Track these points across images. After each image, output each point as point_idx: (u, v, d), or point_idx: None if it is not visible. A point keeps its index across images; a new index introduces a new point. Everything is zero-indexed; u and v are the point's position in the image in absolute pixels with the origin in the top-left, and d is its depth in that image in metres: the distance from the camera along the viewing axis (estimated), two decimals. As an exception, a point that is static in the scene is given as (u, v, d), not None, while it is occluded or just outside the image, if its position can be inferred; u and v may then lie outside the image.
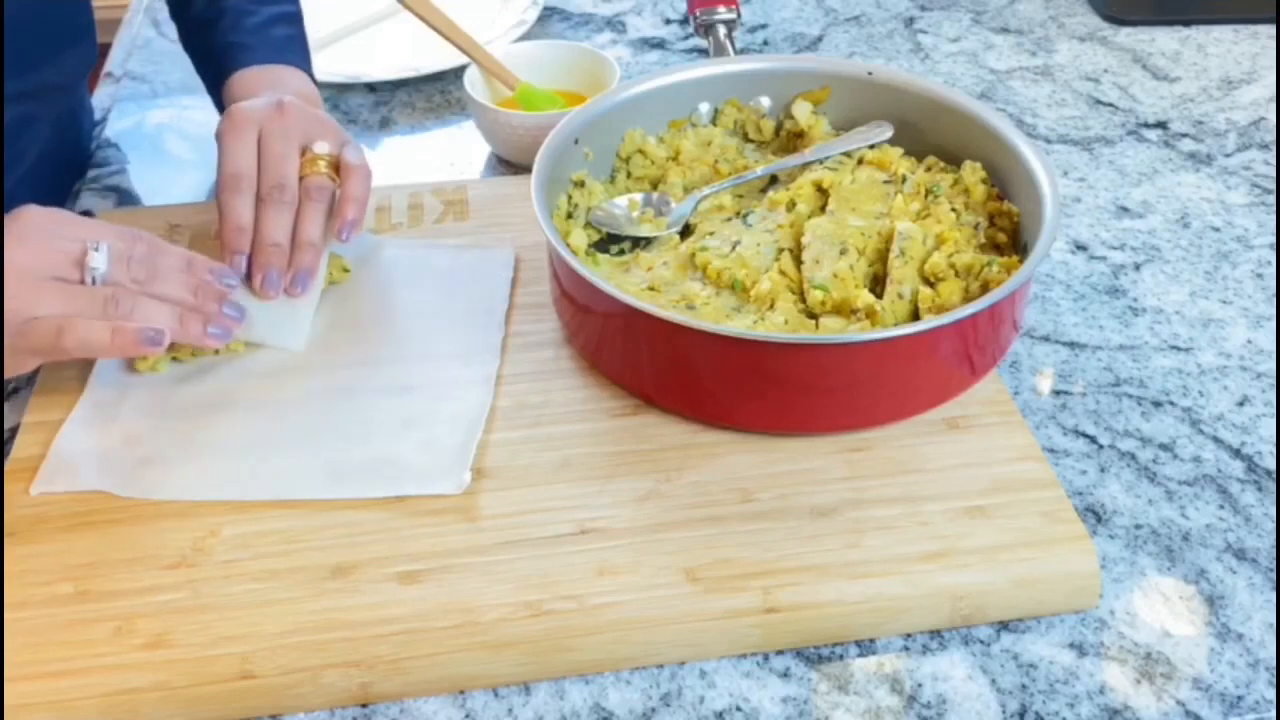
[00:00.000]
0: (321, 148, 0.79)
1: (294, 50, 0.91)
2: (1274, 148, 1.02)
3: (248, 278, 0.77)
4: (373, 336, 0.79)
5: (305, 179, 0.78)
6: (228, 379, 0.75)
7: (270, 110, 0.79)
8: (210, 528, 0.66)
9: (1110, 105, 1.08)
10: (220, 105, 0.89)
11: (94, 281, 0.69)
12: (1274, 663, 0.64)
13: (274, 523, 0.66)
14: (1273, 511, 0.71)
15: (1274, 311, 0.85)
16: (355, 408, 0.74)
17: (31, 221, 0.71)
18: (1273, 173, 0.99)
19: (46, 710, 0.59)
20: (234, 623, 0.61)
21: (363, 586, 0.63)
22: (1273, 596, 0.67)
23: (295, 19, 0.93)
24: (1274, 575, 0.68)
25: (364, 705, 0.62)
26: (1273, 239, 0.92)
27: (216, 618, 0.62)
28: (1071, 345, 0.83)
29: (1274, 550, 0.69)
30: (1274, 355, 0.82)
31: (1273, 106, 1.08)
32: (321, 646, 0.61)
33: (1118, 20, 1.20)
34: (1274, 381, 0.80)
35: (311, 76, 0.90)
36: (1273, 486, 0.73)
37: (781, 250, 0.77)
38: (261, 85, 0.86)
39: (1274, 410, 0.78)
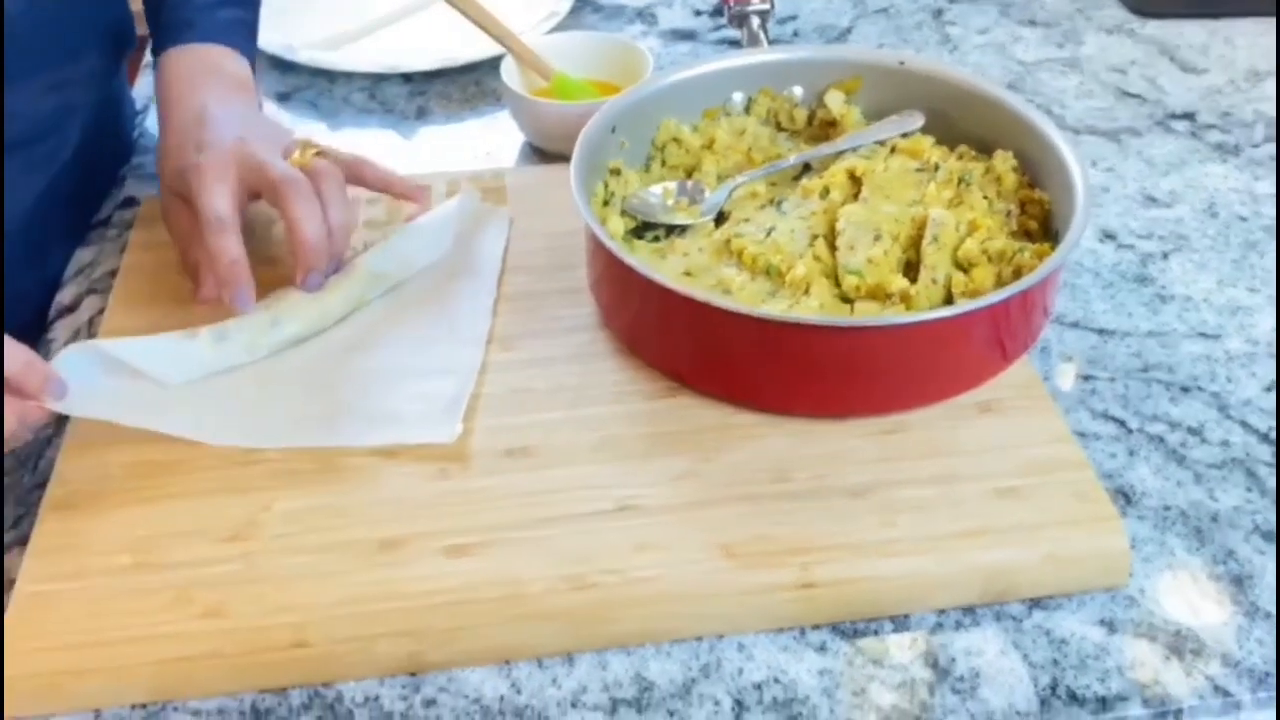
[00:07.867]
0: (305, 144, 0.80)
1: (237, 32, 0.89)
2: (1301, 139, 1.03)
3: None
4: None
5: (306, 169, 0.78)
6: None
7: (237, 144, 0.77)
8: (263, 503, 0.68)
9: (1138, 96, 1.09)
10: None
11: None
12: (1301, 641, 0.65)
13: (324, 499, 0.68)
14: (1300, 494, 0.73)
15: (1301, 299, 0.86)
16: (349, 367, 0.76)
17: None
18: (1300, 163, 1.00)
19: (101, 676, 0.61)
20: (288, 593, 0.63)
21: (412, 559, 0.65)
22: (1300, 577, 0.68)
23: (249, 2, 0.92)
24: (1301, 556, 0.69)
25: (412, 674, 0.63)
26: (1300, 228, 0.93)
27: (271, 589, 0.63)
28: (1101, 332, 0.84)
29: (1301, 532, 0.70)
30: (1301, 342, 0.83)
31: (1300, 98, 1.08)
32: (374, 617, 0.62)
33: (1145, 13, 1.21)
34: (1301, 368, 0.81)
35: (252, 61, 0.89)
36: (1300, 470, 0.74)
37: (815, 236, 0.79)
38: (195, 68, 0.85)
39: (1301, 396, 0.79)
